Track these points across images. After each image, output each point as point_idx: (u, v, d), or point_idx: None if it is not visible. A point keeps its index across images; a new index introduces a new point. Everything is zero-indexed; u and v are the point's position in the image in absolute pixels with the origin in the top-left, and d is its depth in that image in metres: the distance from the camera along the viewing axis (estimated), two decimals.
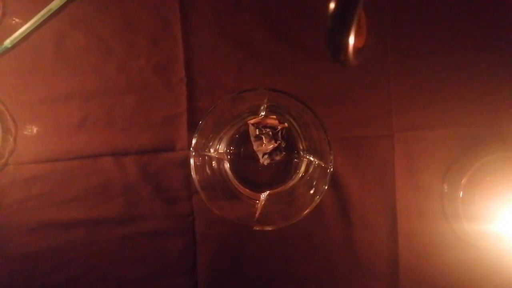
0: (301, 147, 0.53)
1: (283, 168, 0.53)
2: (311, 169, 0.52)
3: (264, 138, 0.51)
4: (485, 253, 0.53)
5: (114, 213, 0.54)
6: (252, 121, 0.51)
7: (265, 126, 0.51)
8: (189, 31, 0.53)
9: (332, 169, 0.47)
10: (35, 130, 0.54)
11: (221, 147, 0.53)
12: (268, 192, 0.52)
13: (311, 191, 0.49)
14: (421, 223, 0.53)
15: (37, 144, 0.53)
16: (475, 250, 0.53)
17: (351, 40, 0.32)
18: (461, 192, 0.50)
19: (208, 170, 0.51)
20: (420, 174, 0.53)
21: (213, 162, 0.52)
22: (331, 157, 0.47)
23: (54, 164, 0.53)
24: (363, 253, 0.54)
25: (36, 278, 0.55)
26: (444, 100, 0.53)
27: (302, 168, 0.53)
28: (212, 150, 0.52)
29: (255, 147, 0.52)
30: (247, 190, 0.52)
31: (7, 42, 0.52)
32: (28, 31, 0.53)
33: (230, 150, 0.53)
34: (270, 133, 0.51)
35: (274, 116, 0.51)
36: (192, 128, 0.53)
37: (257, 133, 0.51)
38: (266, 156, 0.51)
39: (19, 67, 0.53)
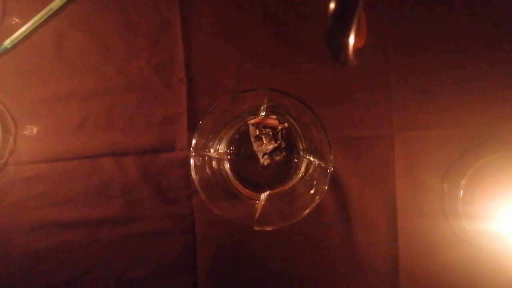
0: (301, 147, 0.53)
1: (283, 168, 0.53)
2: (311, 169, 0.52)
3: (264, 138, 0.51)
4: (485, 253, 0.52)
5: (114, 213, 0.54)
6: (252, 121, 0.51)
7: (265, 126, 0.51)
8: (189, 31, 0.53)
9: (332, 169, 0.47)
10: (35, 130, 0.54)
11: (221, 147, 0.53)
12: (268, 192, 0.52)
13: (311, 191, 0.49)
14: (421, 222, 0.54)
15: (37, 144, 0.53)
16: (475, 250, 0.53)
17: (351, 40, 0.32)
18: (461, 192, 0.50)
19: (208, 170, 0.51)
20: (420, 174, 0.53)
21: (213, 162, 0.52)
22: (331, 157, 0.47)
23: (54, 164, 0.53)
24: (363, 253, 0.54)
25: (36, 278, 0.55)
26: (444, 100, 0.53)
27: (302, 168, 0.53)
28: (212, 150, 0.52)
29: (255, 147, 0.52)
30: (247, 190, 0.52)
31: (7, 42, 0.52)
32: (28, 31, 0.53)
33: (230, 150, 0.53)
34: (270, 133, 0.51)
35: (274, 116, 0.51)
36: (192, 128, 0.53)
37: (257, 133, 0.51)
38: (266, 156, 0.51)
39: (19, 67, 0.53)
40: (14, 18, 0.53)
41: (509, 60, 0.53)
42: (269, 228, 0.47)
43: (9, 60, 0.53)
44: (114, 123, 0.54)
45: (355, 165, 0.53)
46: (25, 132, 0.54)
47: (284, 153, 0.52)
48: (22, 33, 0.52)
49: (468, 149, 0.53)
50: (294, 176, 0.53)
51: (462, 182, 0.50)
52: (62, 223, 0.54)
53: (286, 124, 0.51)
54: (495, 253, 0.52)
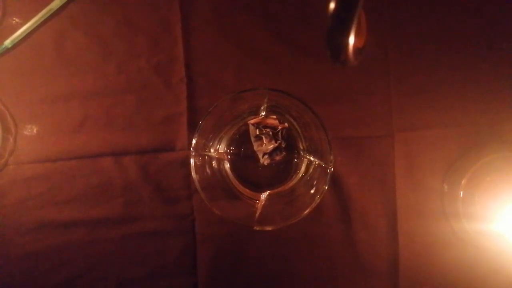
0: (301, 147, 0.53)
1: (283, 168, 0.53)
2: (311, 169, 0.52)
3: (264, 138, 0.51)
4: (485, 253, 0.53)
5: (114, 213, 0.54)
6: (252, 121, 0.51)
7: (265, 126, 0.51)
8: (189, 31, 0.53)
9: (332, 169, 0.47)
10: (35, 130, 0.54)
11: (221, 147, 0.53)
12: (268, 192, 0.52)
13: (311, 191, 0.49)
14: (421, 223, 0.53)
15: (37, 144, 0.53)
16: (475, 250, 0.53)
17: (351, 40, 0.32)
18: (461, 192, 0.50)
19: (208, 170, 0.51)
20: (420, 174, 0.53)
21: (213, 162, 0.52)
22: (331, 157, 0.47)
23: (54, 164, 0.53)
24: (363, 253, 0.54)
25: (36, 278, 0.55)
26: (444, 100, 0.53)
27: (302, 168, 0.53)
28: (212, 150, 0.52)
29: (255, 147, 0.52)
30: (247, 190, 0.52)
31: (7, 42, 0.52)
32: (28, 31, 0.53)
33: (230, 150, 0.53)
34: (270, 133, 0.51)
35: (274, 116, 0.51)
36: (192, 128, 0.53)
37: (257, 133, 0.51)
38: (266, 156, 0.51)
39: (19, 67, 0.53)
40: (14, 18, 0.53)
41: (509, 60, 0.53)
42: (269, 228, 0.47)
43: (9, 60, 0.53)
44: (114, 123, 0.54)
45: (355, 165, 0.53)
46: (25, 132, 0.54)
47: (284, 153, 0.52)
48: (22, 33, 0.52)
49: (468, 149, 0.53)
50: (294, 176, 0.53)
51: (462, 182, 0.50)
52: (62, 223, 0.54)
53: (286, 124, 0.51)
54: (495, 253, 0.52)
